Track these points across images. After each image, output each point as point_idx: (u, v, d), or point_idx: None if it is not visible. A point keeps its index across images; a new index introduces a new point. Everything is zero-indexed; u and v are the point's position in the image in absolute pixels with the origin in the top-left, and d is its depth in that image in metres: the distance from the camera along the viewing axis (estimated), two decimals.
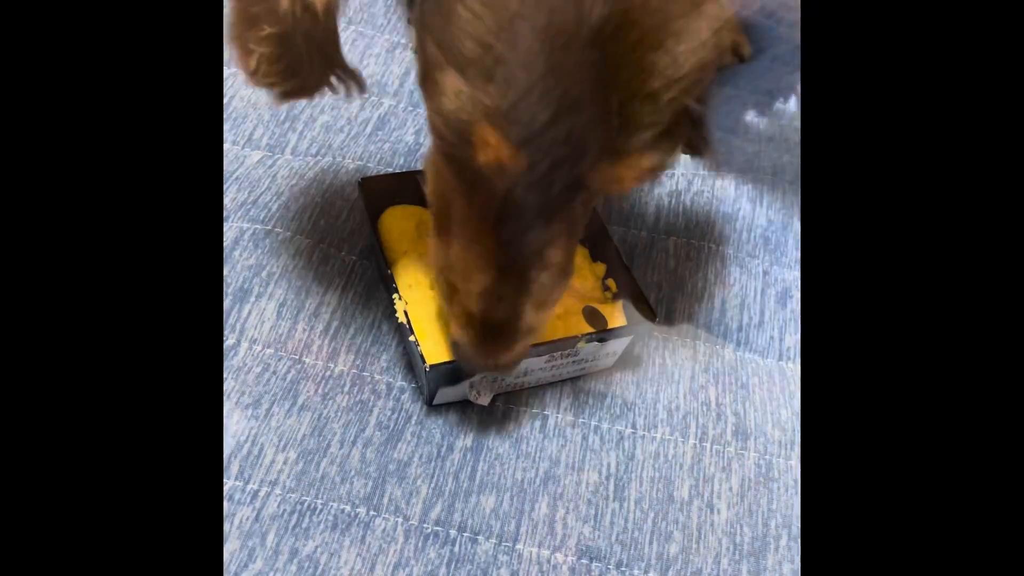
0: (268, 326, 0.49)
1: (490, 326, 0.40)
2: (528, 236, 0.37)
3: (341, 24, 0.41)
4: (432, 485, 0.45)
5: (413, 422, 0.47)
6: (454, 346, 0.42)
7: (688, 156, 0.61)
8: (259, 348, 0.48)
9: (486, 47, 0.33)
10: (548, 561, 0.43)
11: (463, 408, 0.48)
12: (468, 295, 0.40)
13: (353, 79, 0.44)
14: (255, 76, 0.41)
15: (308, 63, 0.41)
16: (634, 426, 0.48)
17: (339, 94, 0.44)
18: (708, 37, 0.35)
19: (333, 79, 0.43)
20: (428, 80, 0.37)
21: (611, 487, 0.46)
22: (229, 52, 0.41)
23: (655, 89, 0.34)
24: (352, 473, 0.44)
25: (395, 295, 0.47)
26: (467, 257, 0.39)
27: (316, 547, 0.42)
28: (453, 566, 0.42)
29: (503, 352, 0.41)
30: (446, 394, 0.46)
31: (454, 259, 0.40)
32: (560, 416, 0.48)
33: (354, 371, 0.48)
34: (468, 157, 0.35)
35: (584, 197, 0.38)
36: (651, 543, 0.44)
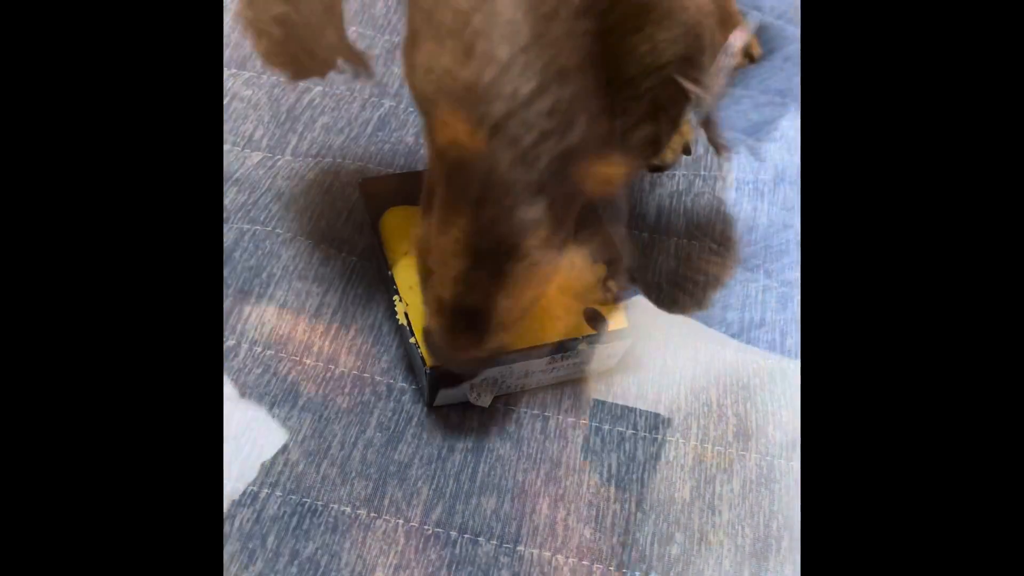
0: (268, 327, 0.48)
1: (461, 314, 0.39)
2: (512, 217, 0.36)
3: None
4: (433, 486, 0.44)
5: (414, 423, 0.47)
6: (426, 333, 0.41)
7: (689, 157, 0.61)
8: (259, 349, 0.48)
9: (465, 19, 0.32)
10: (549, 563, 0.43)
11: (464, 409, 0.47)
12: (442, 280, 0.38)
13: (360, 63, 0.43)
14: (266, 58, 0.42)
15: (315, 46, 0.41)
16: (635, 427, 0.48)
17: (347, 74, 0.44)
18: (691, 28, 0.33)
19: (340, 62, 0.43)
20: (404, 58, 0.36)
21: (612, 488, 0.46)
22: (233, 45, 0.42)
23: (633, 75, 0.33)
24: (353, 474, 0.44)
25: (395, 297, 0.47)
26: (443, 241, 0.37)
27: (317, 549, 0.42)
28: (454, 568, 0.42)
29: (473, 345, 0.40)
30: (447, 396, 0.46)
31: (432, 243, 0.39)
32: (561, 417, 0.48)
33: (355, 372, 0.48)
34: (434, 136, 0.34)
35: (573, 187, 0.36)
36: (652, 544, 0.44)
